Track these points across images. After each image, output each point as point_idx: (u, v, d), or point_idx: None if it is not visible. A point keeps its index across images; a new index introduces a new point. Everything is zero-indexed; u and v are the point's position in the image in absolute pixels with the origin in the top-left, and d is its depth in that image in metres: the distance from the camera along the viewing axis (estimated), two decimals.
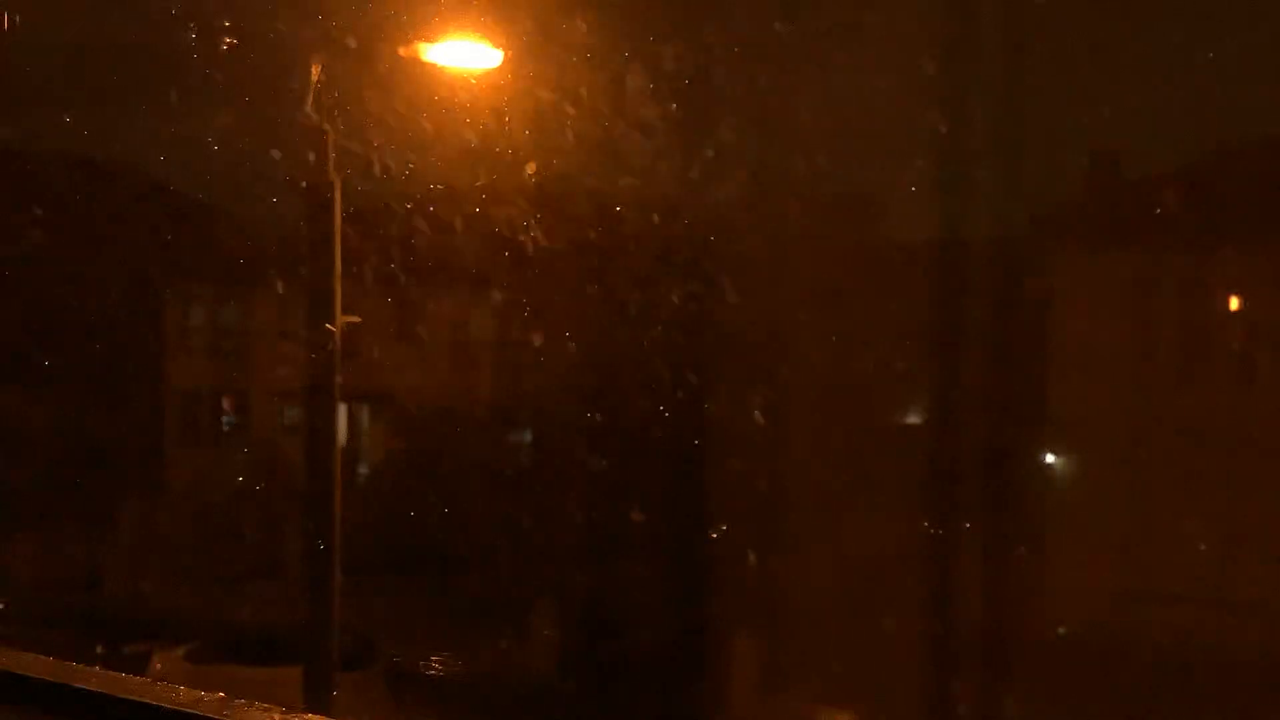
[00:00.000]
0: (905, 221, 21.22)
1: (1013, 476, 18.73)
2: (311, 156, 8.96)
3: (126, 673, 3.34)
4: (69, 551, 21.18)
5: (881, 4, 20.92)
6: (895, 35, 19.85)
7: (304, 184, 9.18)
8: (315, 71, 8.98)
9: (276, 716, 2.89)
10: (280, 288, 22.03)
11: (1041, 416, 19.37)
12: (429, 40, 11.37)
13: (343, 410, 12.52)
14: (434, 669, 16.81)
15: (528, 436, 23.12)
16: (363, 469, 24.01)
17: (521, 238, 17.35)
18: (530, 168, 16.25)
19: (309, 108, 8.97)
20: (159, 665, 16.34)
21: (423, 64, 12.41)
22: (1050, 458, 19.94)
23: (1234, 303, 19.60)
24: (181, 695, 3.04)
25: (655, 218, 17.80)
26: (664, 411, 17.70)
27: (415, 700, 16.62)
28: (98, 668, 3.39)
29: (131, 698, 3.07)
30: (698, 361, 18.21)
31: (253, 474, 23.81)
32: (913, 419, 20.04)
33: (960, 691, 17.05)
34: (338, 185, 9.02)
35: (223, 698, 2.97)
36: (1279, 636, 16.57)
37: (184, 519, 22.50)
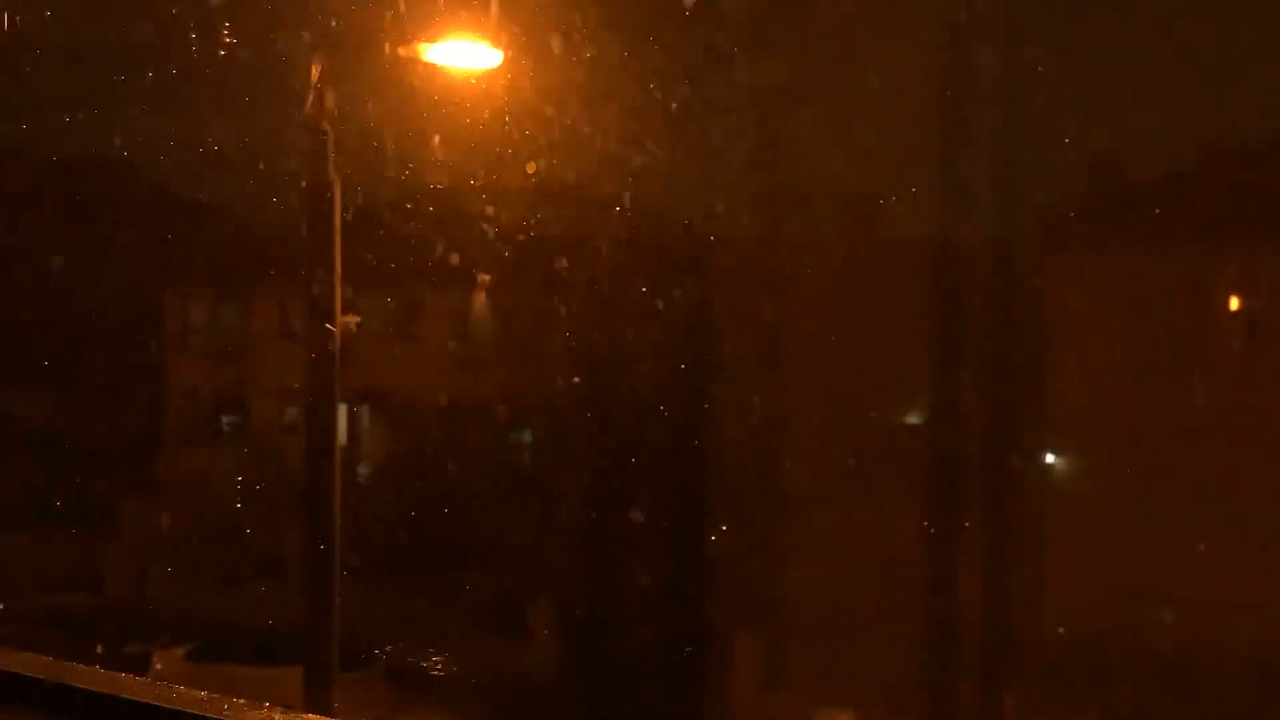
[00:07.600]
0: (906, 224, 21.23)
1: (1012, 475, 18.72)
2: (311, 157, 8.94)
3: (126, 673, 3.35)
4: (69, 551, 21.16)
5: (884, 7, 20.93)
6: (896, 38, 19.87)
7: (304, 184, 9.16)
8: (315, 71, 8.96)
9: (277, 716, 2.89)
10: (280, 288, 22.03)
11: (1041, 416, 19.36)
12: (429, 40, 11.37)
13: (343, 410, 12.52)
14: (434, 669, 16.80)
15: (528, 436, 23.12)
16: (363, 469, 24.00)
17: (521, 237, 17.35)
18: (530, 168, 16.25)
19: (309, 108, 8.95)
20: (159, 665, 16.35)
21: (423, 64, 12.41)
22: (1050, 457, 19.94)
23: (1233, 303, 19.58)
24: (181, 695, 3.04)
25: (655, 219, 17.80)
26: (665, 411, 17.69)
27: (415, 700, 16.62)
28: (98, 668, 3.40)
29: (131, 698, 3.08)
30: (698, 362, 18.20)
31: (251, 474, 23.80)
32: (914, 419, 20.04)
33: (960, 689, 17.05)
34: (337, 185, 8.99)
35: (223, 698, 2.98)
36: (1276, 636, 16.56)
37: (184, 519, 22.49)
